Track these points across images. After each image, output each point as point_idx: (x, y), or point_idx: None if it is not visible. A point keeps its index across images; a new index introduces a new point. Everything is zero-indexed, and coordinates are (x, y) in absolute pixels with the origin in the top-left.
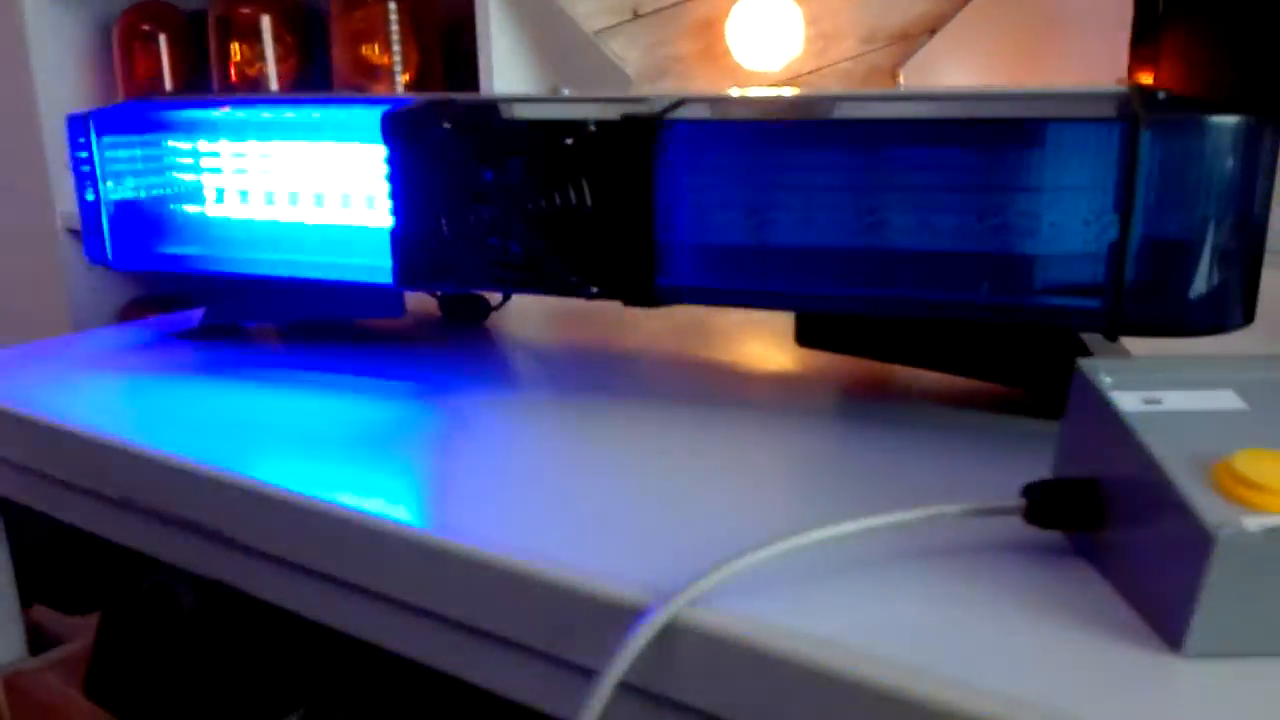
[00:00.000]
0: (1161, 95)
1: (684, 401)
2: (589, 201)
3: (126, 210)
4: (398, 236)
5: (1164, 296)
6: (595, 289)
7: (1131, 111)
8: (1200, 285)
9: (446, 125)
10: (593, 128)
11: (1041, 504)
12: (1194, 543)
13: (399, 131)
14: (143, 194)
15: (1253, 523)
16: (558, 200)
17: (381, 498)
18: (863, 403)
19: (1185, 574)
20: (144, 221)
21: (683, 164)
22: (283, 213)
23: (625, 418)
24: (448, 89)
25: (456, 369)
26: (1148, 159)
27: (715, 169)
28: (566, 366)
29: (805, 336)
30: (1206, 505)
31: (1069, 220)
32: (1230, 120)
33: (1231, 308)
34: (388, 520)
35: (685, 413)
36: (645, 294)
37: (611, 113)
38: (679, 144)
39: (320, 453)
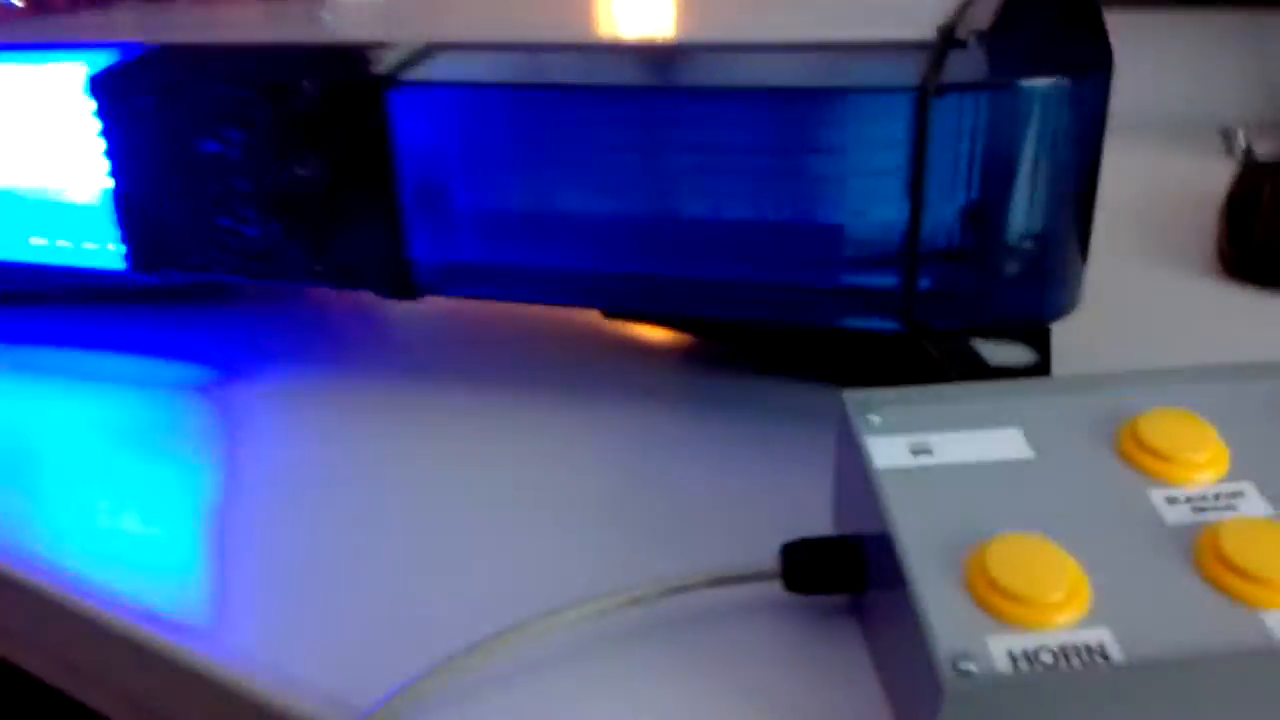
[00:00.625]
0: (973, 42)
1: (445, 403)
2: (324, 177)
3: None
4: (121, 216)
5: (961, 289)
6: (341, 280)
7: (923, 78)
8: (1009, 271)
9: (155, 91)
10: (308, 89)
11: (804, 566)
12: (928, 671)
13: (108, 97)
14: None
15: (999, 650)
16: (287, 176)
17: None
18: (672, 401)
19: (924, 698)
20: None
21: (424, 134)
22: None
23: (360, 430)
24: None
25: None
26: (940, 133)
27: (467, 140)
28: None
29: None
30: (946, 623)
31: (863, 203)
32: (1044, 83)
33: (1048, 297)
34: None
35: (444, 422)
36: (402, 285)
37: (337, 68)
38: (417, 112)
39: None
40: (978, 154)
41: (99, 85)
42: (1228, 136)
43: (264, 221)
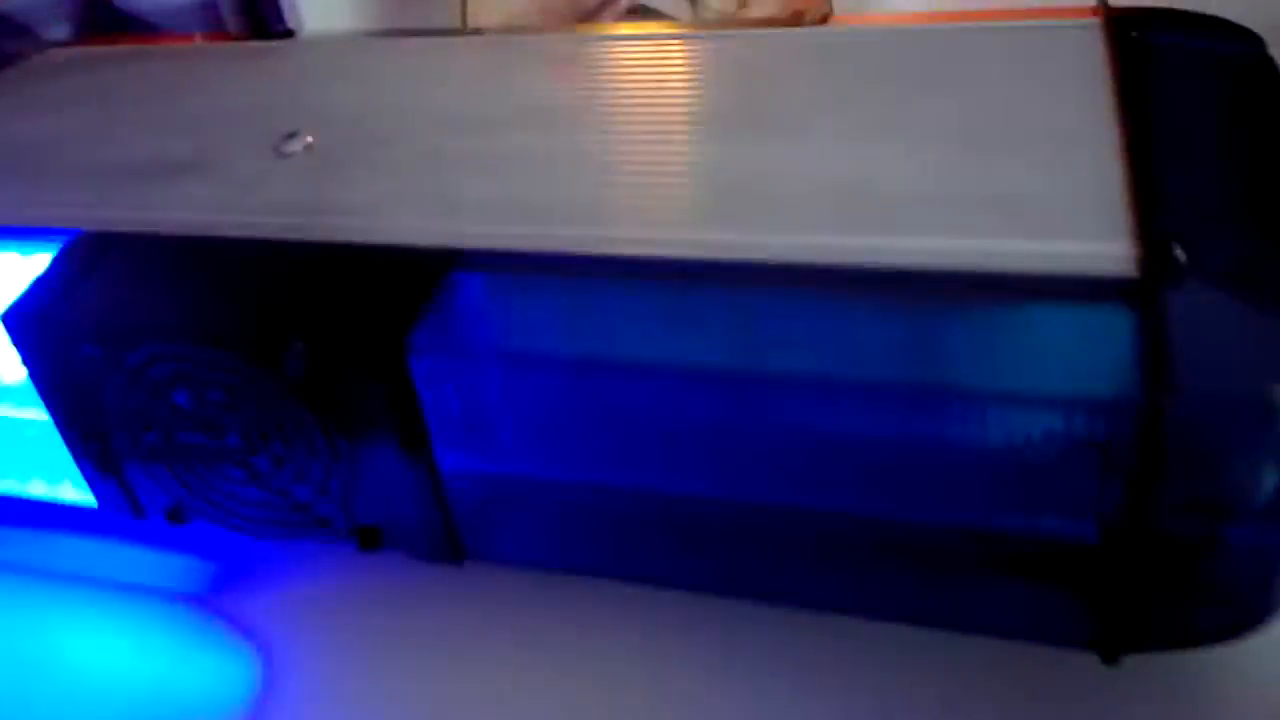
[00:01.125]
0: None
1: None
2: (325, 444)
3: None
4: (80, 466)
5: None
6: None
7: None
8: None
9: (89, 347)
10: (300, 351)
11: None
12: None
13: (30, 345)
14: None
15: None
16: (280, 445)
17: None
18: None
19: None
20: None
21: (456, 402)
22: None
23: None
24: None
25: None
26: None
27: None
28: None
29: None
30: None
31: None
32: None
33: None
34: None
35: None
36: (446, 549)
37: (340, 323)
38: (445, 380)
39: None
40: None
41: (13, 326)
42: None
43: (258, 484)
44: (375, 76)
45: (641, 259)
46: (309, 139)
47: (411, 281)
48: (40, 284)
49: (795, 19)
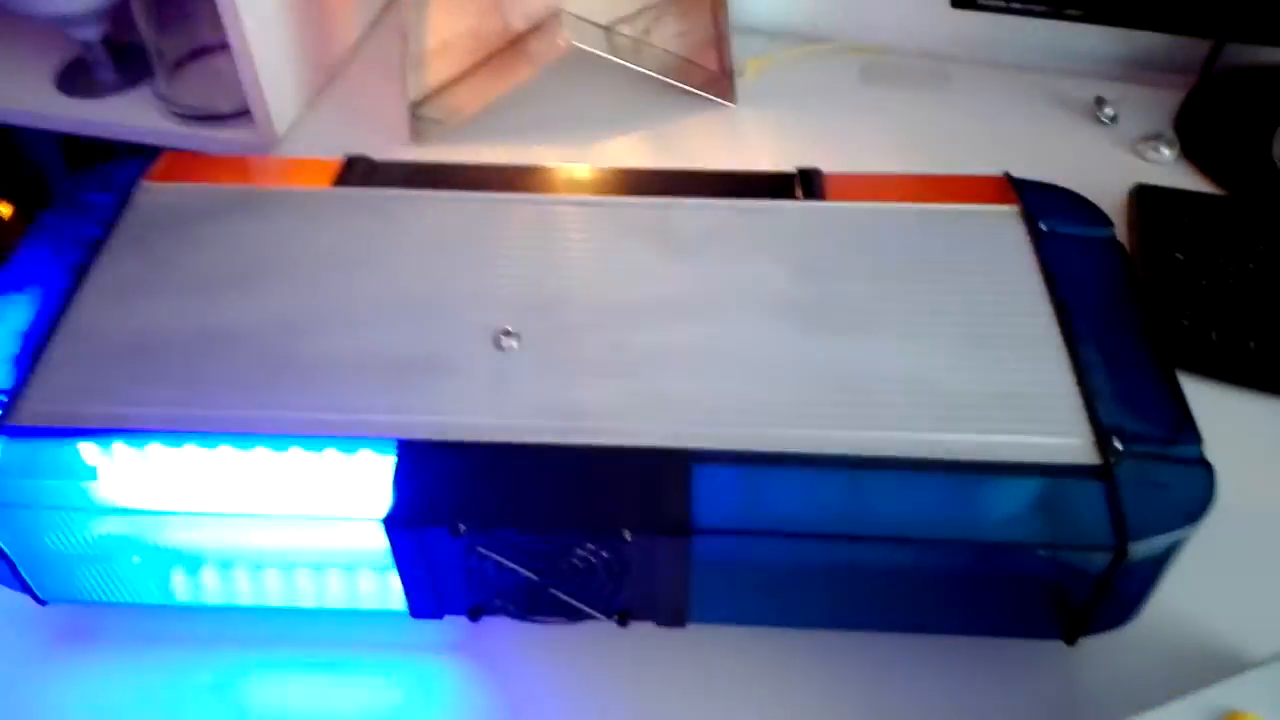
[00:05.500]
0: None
1: None
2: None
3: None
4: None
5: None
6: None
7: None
8: None
9: (463, 528)
10: (627, 537)
11: None
12: None
13: (405, 541)
14: None
15: None
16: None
17: None
18: None
19: None
20: None
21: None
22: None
23: None
24: None
25: None
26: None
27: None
28: None
29: None
30: None
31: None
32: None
33: None
34: None
35: None
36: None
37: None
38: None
39: None
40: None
41: (394, 527)
42: None
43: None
44: (517, 242)
45: (803, 455)
46: (518, 333)
47: (670, 477)
48: (401, 491)
49: (690, 69)
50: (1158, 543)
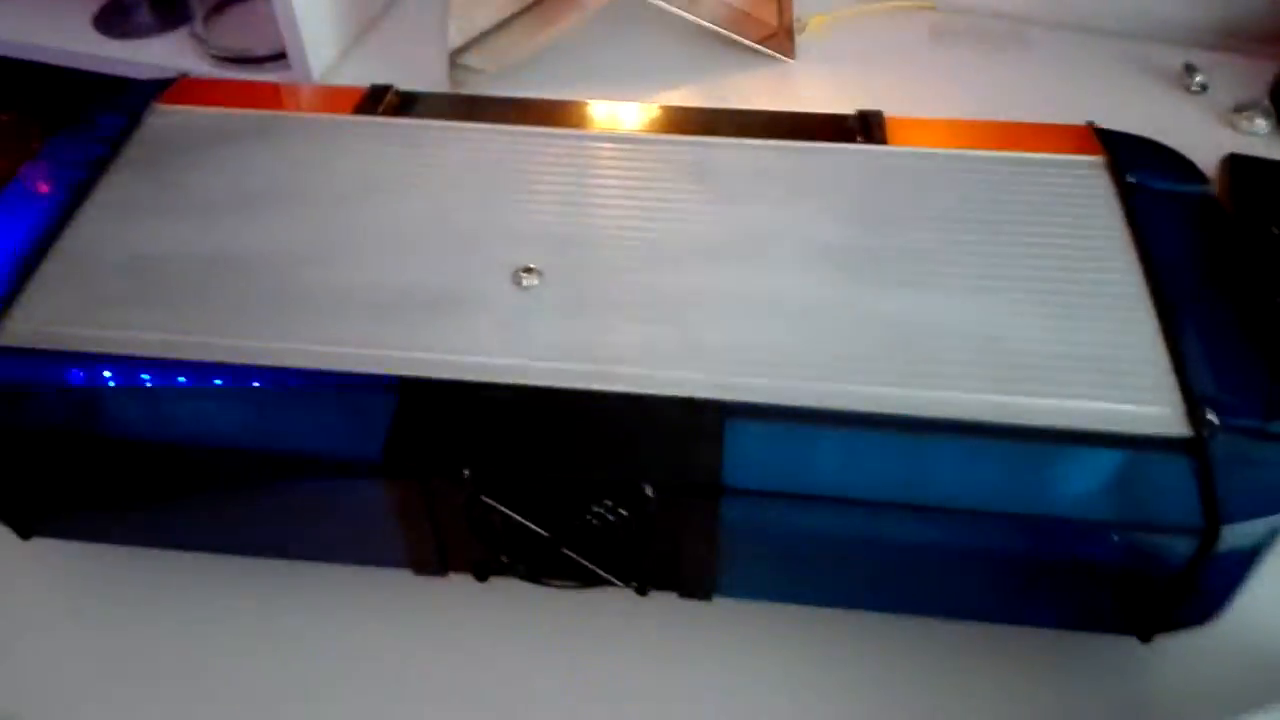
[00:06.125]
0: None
1: None
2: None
3: None
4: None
5: None
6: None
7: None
8: None
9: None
10: (649, 494)
11: None
12: None
13: (406, 487)
14: None
15: None
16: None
17: None
18: None
19: None
20: None
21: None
22: None
23: None
24: None
25: None
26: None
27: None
28: None
29: None
30: None
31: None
32: None
33: None
34: None
35: None
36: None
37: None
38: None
39: None
40: None
41: (393, 470)
42: None
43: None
44: (547, 179)
45: (851, 413)
46: (540, 270)
47: (700, 431)
48: (402, 432)
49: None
50: (1252, 529)
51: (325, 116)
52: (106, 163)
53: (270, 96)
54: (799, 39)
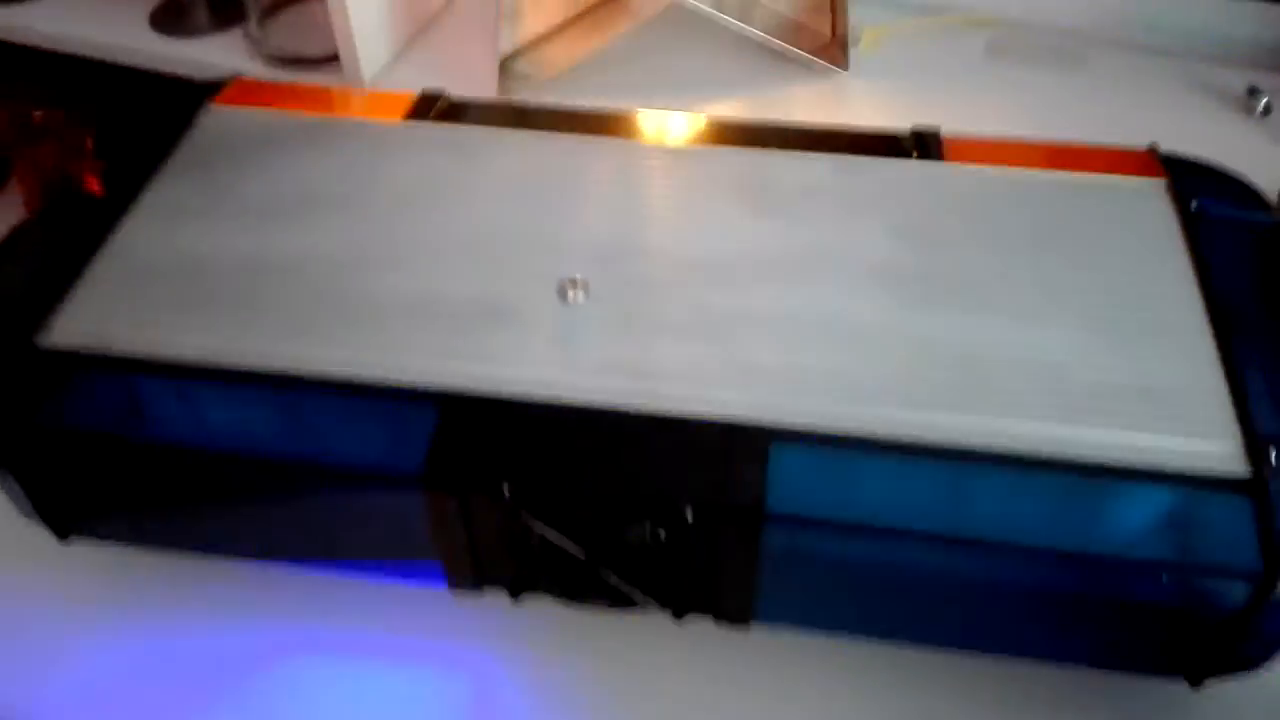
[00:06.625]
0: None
1: None
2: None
3: None
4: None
5: None
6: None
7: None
8: None
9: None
10: (689, 516)
11: None
12: None
13: (444, 502)
14: None
15: None
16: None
17: None
18: None
19: None
20: None
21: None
22: None
23: None
24: None
25: None
26: None
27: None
28: None
29: None
30: None
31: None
32: None
33: None
34: None
35: None
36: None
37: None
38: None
39: None
40: None
41: (432, 485)
42: None
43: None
44: (595, 190)
45: (899, 441)
46: (586, 283)
47: (744, 454)
48: (442, 447)
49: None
50: None
51: (377, 122)
52: (159, 163)
53: (322, 100)
54: (853, 52)
